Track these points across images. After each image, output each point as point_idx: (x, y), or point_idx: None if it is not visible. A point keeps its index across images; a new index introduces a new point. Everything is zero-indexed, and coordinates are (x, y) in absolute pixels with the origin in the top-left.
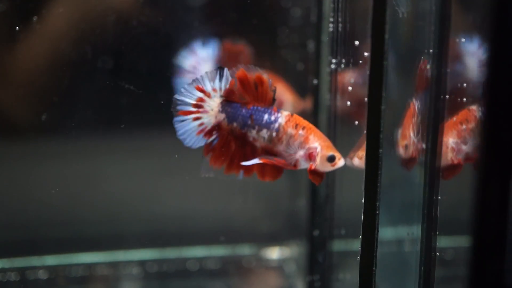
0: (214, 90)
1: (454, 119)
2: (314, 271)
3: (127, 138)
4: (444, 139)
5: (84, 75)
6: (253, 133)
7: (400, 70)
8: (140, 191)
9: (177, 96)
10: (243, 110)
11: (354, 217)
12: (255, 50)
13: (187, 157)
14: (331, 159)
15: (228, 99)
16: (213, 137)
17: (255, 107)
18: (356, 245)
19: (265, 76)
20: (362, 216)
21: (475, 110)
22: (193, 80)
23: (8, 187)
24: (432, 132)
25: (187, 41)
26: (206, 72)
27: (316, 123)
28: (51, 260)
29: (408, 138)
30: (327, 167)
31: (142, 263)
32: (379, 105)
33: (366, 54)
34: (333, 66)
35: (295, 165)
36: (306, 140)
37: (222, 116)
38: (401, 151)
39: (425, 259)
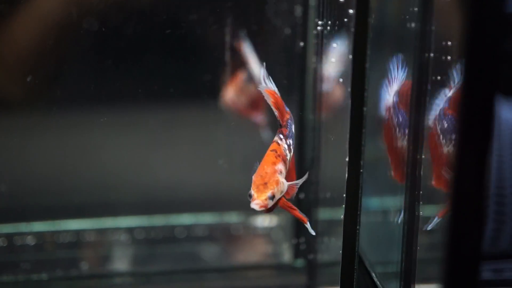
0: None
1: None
2: (300, 234)
3: (117, 111)
4: None
5: (77, 48)
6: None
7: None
8: (129, 161)
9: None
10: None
11: (340, 181)
12: (244, 18)
13: (176, 129)
14: (249, 196)
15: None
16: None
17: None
18: (341, 211)
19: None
20: (346, 174)
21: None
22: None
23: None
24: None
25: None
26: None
27: (303, 84)
28: (39, 226)
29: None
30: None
31: (130, 230)
32: (363, 63)
33: (350, 11)
34: (319, 28)
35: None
36: None
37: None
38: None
39: (408, 228)
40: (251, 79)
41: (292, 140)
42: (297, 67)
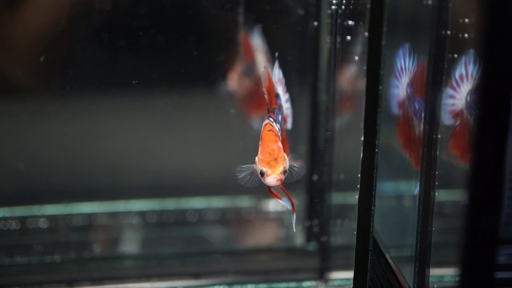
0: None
1: None
2: (313, 216)
3: (128, 96)
4: None
5: (84, 34)
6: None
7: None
8: (141, 145)
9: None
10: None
11: (354, 163)
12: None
13: (187, 113)
14: (261, 173)
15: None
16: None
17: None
18: (354, 194)
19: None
20: (361, 154)
21: None
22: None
23: (11, 141)
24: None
25: None
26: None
27: (316, 65)
28: (51, 209)
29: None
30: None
31: (141, 213)
32: (379, 41)
33: None
34: (333, 7)
35: None
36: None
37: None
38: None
39: (423, 212)
40: (252, 68)
41: (279, 127)
42: (310, 47)
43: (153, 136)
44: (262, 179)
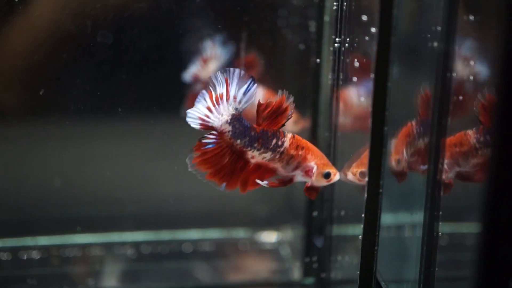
0: (234, 97)
1: (449, 141)
2: (312, 253)
3: (122, 123)
4: None
5: (81, 59)
6: (255, 153)
7: (406, 49)
8: (135, 175)
9: (213, 76)
10: (252, 132)
11: (355, 199)
12: (256, 30)
13: (182, 141)
14: (327, 175)
15: (239, 115)
16: (210, 140)
17: (265, 131)
18: (356, 228)
19: (291, 105)
20: (365, 194)
21: (470, 135)
22: (226, 71)
23: (2, 168)
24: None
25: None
26: (239, 73)
27: (316, 101)
28: (44, 240)
29: (400, 154)
30: (323, 183)
31: (136, 244)
32: (385, 82)
33: (373, 30)
34: (336, 45)
35: (291, 180)
36: (304, 159)
37: (227, 128)
38: (393, 164)
39: (427, 244)
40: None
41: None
42: (311, 83)
43: (148, 166)
44: (324, 181)
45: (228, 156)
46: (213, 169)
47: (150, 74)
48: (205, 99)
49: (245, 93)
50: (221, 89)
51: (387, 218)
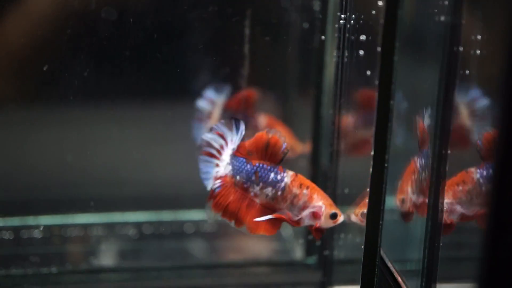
0: (231, 141)
1: (451, 181)
2: None
3: (125, 108)
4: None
5: (78, 44)
6: (256, 189)
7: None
8: (138, 157)
9: (204, 137)
10: (248, 166)
11: (359, 176)
12: (259, 11)
13: (184, 125)
14: (334, 216)
15: (237, 153)
16: (217, 184)
17: (261, 165)
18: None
19: (281, 139)
20: (371, 168)
21: (472, 172)
22: (214, 127)
23: (7, 152)
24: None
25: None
26: (224, 121)
27: (320, 80)
28: (46, 220)
29: (405, 194)
30: (330, 224)
31: (138, 225)
32: (392, 56)
33: (380, 3)
34: (342, 21)
35: (298, 222)
36: (310, 199)
37: (228, 168)
38: (398, 203)
39: (432, 225)
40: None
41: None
42: (316, 61)
43: (151, 148)
44: (331, 222)
45: (232, 195)
46: (222, 209)
47: (151, 60)
48: (208, 161)
49: (236, 133)
50: (220, 142)
51: (391, 201)
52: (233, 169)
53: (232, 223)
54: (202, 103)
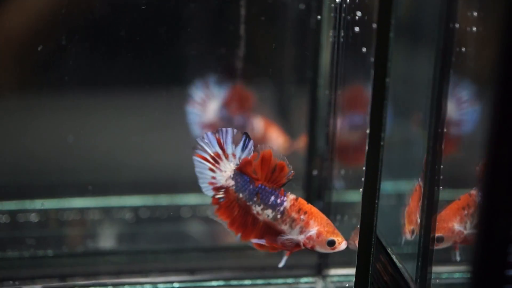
0: (233, 155)
1: (456, 205)
2: None
3: (122, 93)
4: (449, 225)
5: (77, 32)
6: (257, 208)
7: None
8: (135, 142)
9: (199, 140)
10: (251, 186)
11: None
12: None
13: (181, 111)
14: (331, 243)
15: (241, 169)
16: (221, 195)
17: (263, 187)
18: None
19: (289, 166)
20: (367, 147)
21: (475, 195)
22: (217, 131)
23: (5, 136)
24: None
25: None
26: (232, 132)
27: (316, 61)
28: (44, 204)
29: (415, 224)
30: (327, 250)
31: (135, 209)
32: (387, 32)
33: None
34: (338, 0)
35: (298, 246)
36: (306, 225)
37: (231, 182)
38: (407, 235)
39: (427, 209)
40: None
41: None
42: (311, 42)
43: (148, 133)
44: (329, 248)
45: (237, 209)
46: (228, 219)
47: (149, 46)
48: (202, 162)
49: (243, 149)
50: (214, 149)
51: (387, 186)
52: (236, 186)
53: (239, 236)
54: (196, 90)
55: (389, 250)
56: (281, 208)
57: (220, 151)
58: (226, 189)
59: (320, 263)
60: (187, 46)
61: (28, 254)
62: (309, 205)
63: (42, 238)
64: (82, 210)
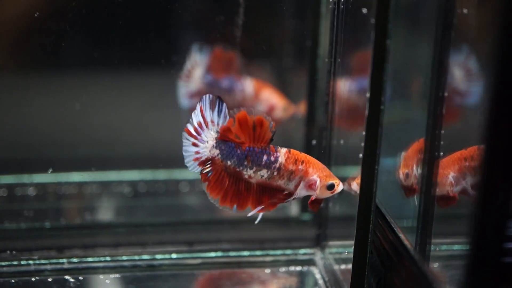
0: (212, 121)
1: (460, 154)
2: None
3: (122, 71)
4: (445, 171)
5: (78, 13)
6: (249, 172)
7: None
8: (134, 118)
9: (193, 114)
10: (238, 151)
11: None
12: None
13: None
14: (331, 187)
15: (223, 137)
16: (208, 169)
17: (252, 148)
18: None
19: (267, 118)
20: (367, 111)
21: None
22: (201, 98)
23: (4, 112)
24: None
25: None
26: (209, 97)
27: (316, 29)
28: (40, 178)
29: (410, 169)
30: (327, 195)
31: (133, 183)
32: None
33: None
34: None
35: (294, 198)
36: (306, 173)
37: (216, 152)
38: (400, 176)
39: (426, 182)
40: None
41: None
42: (310, 11)
43: (146, 110)
44: (328, 192)
45: (227, 179)
46: (220, 194)
47: (146, 25)
48: (187, 138)
49: (218, 114)
50: (197, 118)
51: (387, 162)
52: (221, 154)
53: (234, 209)
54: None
55: (388, 218)
56: (277, 165)
57: (201, 119)
58: (212, 159)
59: (319, 234)
60: (186, 19)
61: (26, 226)
62: (303, 154)
63: (40, 211)
64: (80, 184)
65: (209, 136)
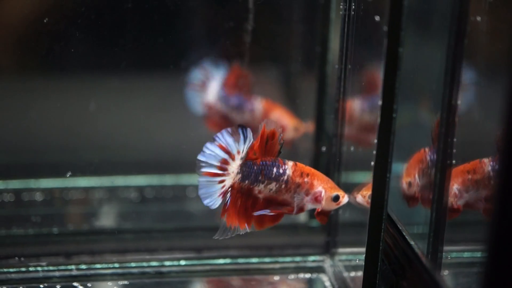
0: (238, 152)
1: (463, 167)
2: None
3: (128, 75)
4: (450, 183)
5: (84, 14)
6: (260, 186)
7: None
8: (141, 123)
9: (200, 157)
10: (255, 167)
11: None
12: None
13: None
14: (336, 198)
15: (246, 160)
16: (227, 198)
17: (265, 162)
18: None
19: (278, 130)
20: (379, 119)
21: (486, 163)
22: (216, 138)
23: (11, 116)
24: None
25: None
26: (229, 131)
27: (326, 35)
28: (47, 183)
29: (412, 178)
30: (333, 206)
31: (140, 188)
32: (401, 1)
33: None
34: None
35: (302, 209)
36: (311, 186)
37: (238, 176)
38: (404, 186)
39: (439, 189)
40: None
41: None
42: (320, 17)
43: (153, 113)
44: (334, 204)
45: (240, 198)
46: (237, 218)
47: (153, 29)
48: (210, 181)
49: (245, 142)
50: (218, 157)
51: (397, 168)
52: (242, 176)
53: (251, 228)
54: (196, 72)
55: (399, 226)
56: (285, 177)
57: (226, 156)
58: (232, 185)
59: (328, 241)
60: (194, 23)
61: (33, 232)
62: (307, 167)
63: (48, 216)
64: (87, 190)
65: (235, 166)
